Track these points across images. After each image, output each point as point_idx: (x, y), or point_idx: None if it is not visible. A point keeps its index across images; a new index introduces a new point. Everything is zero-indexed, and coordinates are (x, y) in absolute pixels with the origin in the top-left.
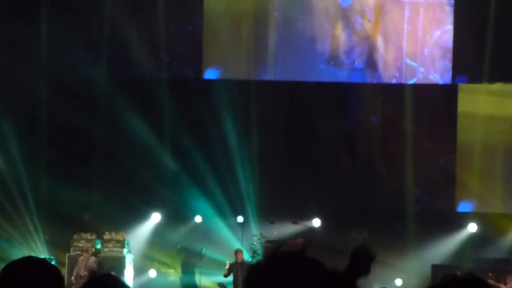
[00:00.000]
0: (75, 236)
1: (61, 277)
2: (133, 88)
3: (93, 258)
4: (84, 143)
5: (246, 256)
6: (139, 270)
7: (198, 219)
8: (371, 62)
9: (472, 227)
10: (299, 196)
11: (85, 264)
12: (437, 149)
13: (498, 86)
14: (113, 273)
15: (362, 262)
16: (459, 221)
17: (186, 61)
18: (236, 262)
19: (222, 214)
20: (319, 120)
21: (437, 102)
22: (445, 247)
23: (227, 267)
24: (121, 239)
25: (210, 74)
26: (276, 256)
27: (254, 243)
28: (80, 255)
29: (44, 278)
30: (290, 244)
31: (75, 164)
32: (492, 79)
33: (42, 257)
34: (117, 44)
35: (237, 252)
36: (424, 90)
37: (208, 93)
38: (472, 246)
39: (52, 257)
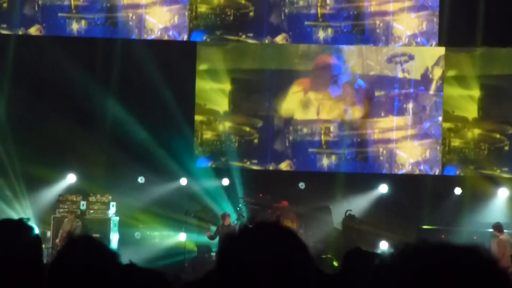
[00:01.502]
0: (60, 198)
1: (37, 237)
2: None
3: (77, 220)
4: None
5: (233, 219)
6: (125, 232)
7: (183, 181)
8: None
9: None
10: None
11: (70, 226)
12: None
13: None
14: (97, 235)
15: (358, 263)
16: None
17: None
18: (223, 224)
19: (206, 176)
20: None
21: None
22: (431, 210)
23: (208, 231)
24: (107, 201)
25: None
26: (249, 228)
27: (240, 205)
28: (65, 217)
29: (20, 239)
30: (275, 207)
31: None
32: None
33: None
34: None
35: (224, 215)
36: None
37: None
38: (458, 209)
39: (28, 217)
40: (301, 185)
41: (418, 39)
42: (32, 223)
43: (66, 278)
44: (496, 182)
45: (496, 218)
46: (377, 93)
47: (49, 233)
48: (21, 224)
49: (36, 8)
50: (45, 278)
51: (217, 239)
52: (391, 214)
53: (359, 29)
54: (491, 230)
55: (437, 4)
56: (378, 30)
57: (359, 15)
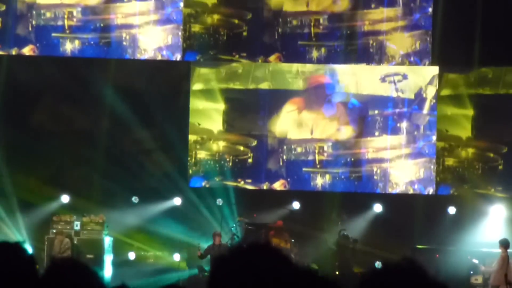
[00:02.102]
0: (54, 218)
1: (33, 260)
2: None
3: (66, 240)
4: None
5: (225, 239)
6: (118, 253)
7: (177, 201)
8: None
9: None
10: None
11: (59, 246)
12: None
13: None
14: (91, 255)
15: None
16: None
17: None
18: (214, 244)
19: (200, 196)
20: None
21: None
22: (425, 230)
23: (199, 249)
24: (101, 221)
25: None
26: (240, 249)
27: (234, 225)
28: (55, 237)
29: (16, 262)
30: (270, 227)
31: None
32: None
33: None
34: None
35: (215, 234)
36: None
37: None
38: (452, 229)
39: (24, 240)
40: (295, 204)
41: (412, 58)
42: (27, 245)
43: None
44: (490, 200)
45: (490, 237)
46: (370, 112)
47: (43, 254)
48: (17, 247)
49: (30, 28)
50: None
51: (208, 257)
52: (385, 234)
53: (353, 49)
54: (485, 249)
55: (430, 23)
56: (371, 50)
57: (352, 34)
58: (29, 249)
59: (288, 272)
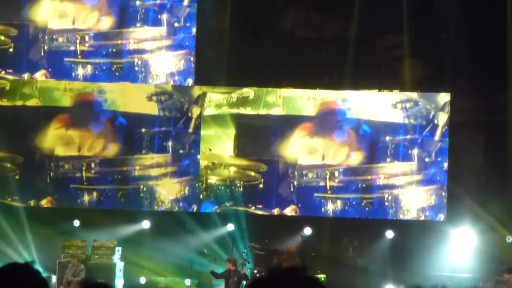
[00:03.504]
0: (65, 243)
1: (45, 282)
2: None
3: (81, 266)
4: None
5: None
6: (130, 277)
7: (188, 226)
8: None
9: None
10: None
11: (73, 271)
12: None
13: None
14: (102, 280)
15: None
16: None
17: None
18: (229, 269)
19: (211, 221)
20: None
21: None
22: (436, 257)
23: (211, 266)
24: (112, 246)
25: None
26: (277, 272)
27: (245, 251)
28: (69, 261)
29: (27, 283)
30: (281, 252)
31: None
32: None
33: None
34: None
35: (229, 260)
36: None
37: None
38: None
39: (34, 260)
40: (306, 230)
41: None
42: (37, 267)
43: None
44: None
45: (502, 263)
46: (382, 139)
47: (54, 278)
48: (29, 268)
49: (42, 53)
50: None
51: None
52: (396, 260)
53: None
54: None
55: (438, 50)
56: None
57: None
58: (40, 270)
59: None
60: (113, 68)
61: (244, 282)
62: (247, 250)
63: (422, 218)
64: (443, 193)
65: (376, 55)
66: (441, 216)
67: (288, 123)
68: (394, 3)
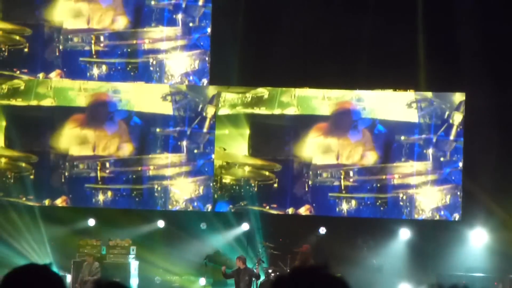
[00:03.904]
0: (80, 242)
1: (62, 283)
2: None
3: (96, 264)
4: None
5: (250, 264)
6: (144, 276)
7: (203, 225)
8: None
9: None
10: None
11: (89, 269)
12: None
13: None
14: (117, 280)
15: None
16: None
17: None
18: (238, 268)
19: (226, 221)
20: None
21: None
22: (451, 256)
23: (224, 266)
24: (127, 245)
25: None
26: (300, 270)
27: (260, 250)
28: (85, 260)
29: (45, 285)
30: (294, 252)
31: None
32: None
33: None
34: None
35: (238, 258)
36: None
37: None
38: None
39: (52, 262)
40: (320, 231)
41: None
42: (54, 268)
43: None
44: None
45: None
46: (396, 138)
47: (69, 278)
48: (47, 270)
49: (57, 53)
50: None
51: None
52: (411, 260)
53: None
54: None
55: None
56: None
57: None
58: (58, 271)
59: None
60: (128, 68)
61: (254, 280)
62: (262, 249)
63: (437, 217)
64: (458, 193)
65: (391, 55)
66: (456, 216)
67: (303, 123)
68: (409, 2)
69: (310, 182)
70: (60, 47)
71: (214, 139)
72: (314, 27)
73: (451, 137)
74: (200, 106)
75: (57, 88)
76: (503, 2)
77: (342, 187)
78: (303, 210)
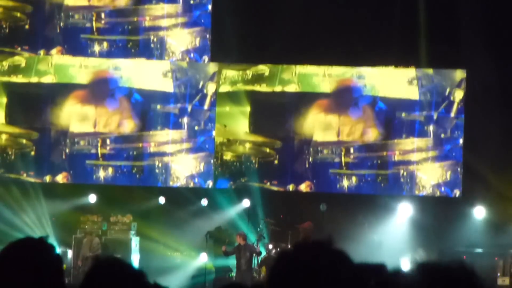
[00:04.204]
0: (81, 218)
1: (58, 256)
2: None
3: (96, 240)
4: None
5: (250, 239)
6: (145, 253)
7: (204, 201)
8: None
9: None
10: None
11: (89, 246)
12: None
13: None
14: (118, 255)
15: None
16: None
17: None
18: (239, 244)
19: (226, 197)
20: None
21: None
22: (451, 232)
23: (225, 245)
24: (128, 221)
25: None
26: (304, 245)
27: (260, 226)
28: (84, 237)
29: (41, 258)
30: (299, 228)
31: None
32: None
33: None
34: None
35: (239, 235)
36: None
37: None
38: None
39: (48, 235)
40: (322, 206)
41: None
42: (52, 242)
43: None
44: None
45: None
46: (397, 115)
47: (70, 253)
48: (42, 243)
49: (58, 30)
50: None
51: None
52: (412, 236)
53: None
54: None
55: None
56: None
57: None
58: (55, 245)
59: (350, 271)
60: (129, 45)
61: (255, 256)
62: (263, 225)
63: (438, 194)
64: (459, 169)
65: (392, 32)
66: (457, 192)
67: (304, 100)
68: None
69: (310, 159)
70: (61, 24)
71: (214, 116)
72: (315, 4)
73: (452, 114)
74: (201, 83)
75: (58, 65)
76: None
77: (343, 164)
78: (304, 187)
